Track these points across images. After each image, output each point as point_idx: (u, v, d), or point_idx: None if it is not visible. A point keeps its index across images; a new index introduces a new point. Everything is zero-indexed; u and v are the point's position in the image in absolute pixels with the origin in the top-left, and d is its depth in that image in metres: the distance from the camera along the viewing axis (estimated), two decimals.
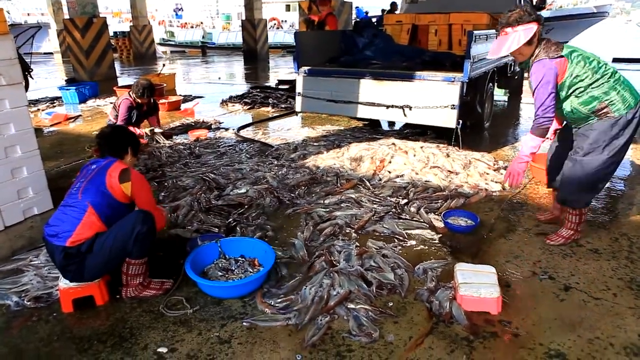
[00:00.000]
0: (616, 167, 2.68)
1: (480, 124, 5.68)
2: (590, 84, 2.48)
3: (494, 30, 5.01)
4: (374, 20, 12.21)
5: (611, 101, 2.47)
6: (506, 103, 7.85)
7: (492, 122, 6.12)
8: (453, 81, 4.47)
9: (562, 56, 2.48)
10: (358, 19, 18.38)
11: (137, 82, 5.05)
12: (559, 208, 3.09)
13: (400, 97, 4.77)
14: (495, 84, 6.19)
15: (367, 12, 22.19)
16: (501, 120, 6.62)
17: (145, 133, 5.31)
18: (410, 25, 6.43)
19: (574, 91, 2.52)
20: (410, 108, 4.71)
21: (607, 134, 2.52)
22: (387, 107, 4.86)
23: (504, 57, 5.91)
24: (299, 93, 5.43)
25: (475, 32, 4.37)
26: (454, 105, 4.45)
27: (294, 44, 5.53)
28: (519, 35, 2.47)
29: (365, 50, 5.93)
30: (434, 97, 4.58)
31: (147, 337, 2.10)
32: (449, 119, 4.50)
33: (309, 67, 5.33)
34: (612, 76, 2.49)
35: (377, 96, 4.91)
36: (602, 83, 2.47)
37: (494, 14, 6.01)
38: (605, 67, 2.50)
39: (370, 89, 4.95)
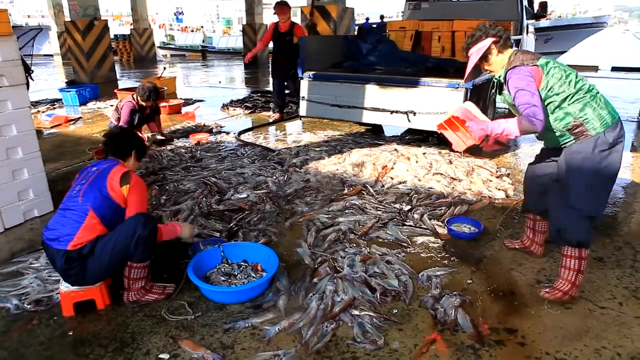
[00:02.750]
0: (607, 189, 2.37)
1: None
2: (565, 99, 2.27)
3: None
4: (374, 26, 12.27)
5: (586, 119, 2.24)
6: (507, 110, 7.85)
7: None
8: (457, 87, 4.49)
9: (537, 65, 2.29)
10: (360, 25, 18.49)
11: (142, 85, 5.03)
12: (530, 238, 2.85)
13: (405, 103, 4.79)
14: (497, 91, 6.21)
15: (367, 19, 22.29)
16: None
17: (148, 137, 5.32)
18: (413, 31, 6.50)
19: (547, 105, 2.31)
20: (415, 114, 4.74)
21: (591, 159, 2.26)
22: (391, 112, 4.90)
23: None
24: (303, 97, 5.46)
25: None
26: None
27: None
28: (473, 56, 2.44)
29: (369, 56, 6.00)
30: (438, 103, 4.58)
31: (148, 343, 2.07)
32: None
33: (313, 72, 5.35)
34: (588, 91, 2.28)
35: (382, 101, 4.94)
36: (578, 99, 2.27)
37: (496, 22, 6.08)
38: (582, 82, 2.30)
39: (374, 94, 4.97)
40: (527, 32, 7.86)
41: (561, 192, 2.40)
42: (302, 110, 5.55)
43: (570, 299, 2.37)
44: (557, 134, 2.37)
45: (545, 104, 2.30)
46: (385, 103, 4.92)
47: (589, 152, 2.26)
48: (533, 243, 2.85)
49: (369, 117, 5.13)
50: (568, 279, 2.39)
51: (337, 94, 5.19)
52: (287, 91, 7.00)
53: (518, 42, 6.85)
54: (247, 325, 2.17)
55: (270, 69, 6.80)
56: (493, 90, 2.63)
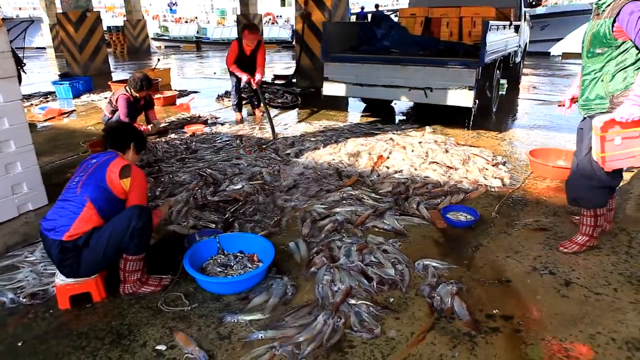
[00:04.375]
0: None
1: (489, 107, 6.26)
2: (635, 62, 2.25)
3: (502, 22, 5.83)
4: (369, 15, 12.19)
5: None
6: (504, 92, 7.93)
7: (499, 105, 6.71)
8: (471, 66, 4.99)
9: None
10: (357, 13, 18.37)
11: (132, 76, 4.99)
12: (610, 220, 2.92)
13: (422, 80, 5.30)
14: (501, 72, 6.64)
15: (362, 8, 22.14)
16: (505, 105, 7.02)
17: (153, 125, 5.32)
18: (423, 17, 7.00)
19: (622, 59, 2.26)
20: (431, 89, 5.24)
21: None
22: (410, 89, 5.39)
23: (509, 47, 6.48)
24: (326, 78, 5.89)
25: (490, 22, 4.91)
26: (471, 86, 5.01)
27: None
28: None
29: (383, 40, 6.43)
30: (453, 80, 5.12)
31: (145, 334, 2.07)
32: (466, 99, 5.09)
33: (335, 54, 5.80)
34: None
35: (400, 80, 5.43)
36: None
37: (498, 9, 6.68)
38: None
39: (394, 73, 5.45)
40: (525, 20, 7.93)
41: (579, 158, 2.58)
42: (325, 90, 5.97)
43: (588, 249, 2.69)
44: (601, 93, 2.39)
45: (621, 57, 2.29)
46: (404, 81, 5.40)
47: None
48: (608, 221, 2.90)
49: (388, 94, 5.65)
50: (586, 233, 2.69)
51: (359, 73, 5.62)
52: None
53: (517, 28, 7.07)
54: (234, 320, 2.14)
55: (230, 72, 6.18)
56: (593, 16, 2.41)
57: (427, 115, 6.45)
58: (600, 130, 2.29)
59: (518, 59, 8.05)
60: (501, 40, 5.95)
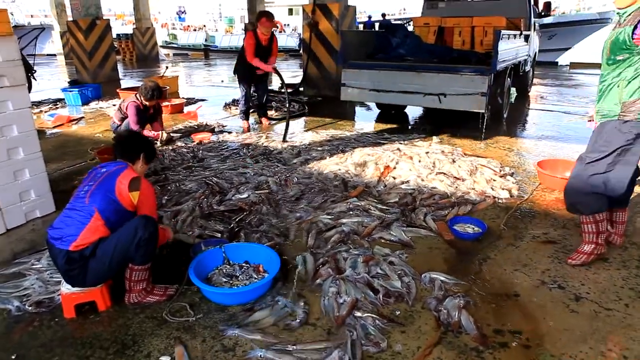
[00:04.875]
0: (630, 173, 2.52)
1: (500, 113, 6.55)
2: None
3: (513, 32, 6.01)
4: (376, 25, 12.25)
5: None
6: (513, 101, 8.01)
7: (508, 115, 6.93)
8: (483, 73, 5.19)
9: None
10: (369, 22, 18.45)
11: (144, 84, 5.01)
12: (608, 229, 2.88)
13: (436, 87, 5.49)
14: (511, 79, 6.86)
15: (370, 17, 22.24)
16: (514, 115, 7.23)
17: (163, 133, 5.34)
18: (436, 27, 7.27)
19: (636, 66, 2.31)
20: (445, 95, 5.43)
21: (622, 138, 2.40)
22: (424, 94, 5.57)
23: (519, 55, 6.71)
24: (343, 84, 6.13)
25: (502, 31, 5.09)
26: (483, 92, 5.19)
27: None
28: None
29: (398, 49, 6.71)
30: (466, 86, 5.31)
31: (150, 345, 2.06)
32: (479, 105, 5.27)
33: (353, 61, 6.04)
34: None
35: (416, 86, 5.63)
36: None
37: (508, 19, 6.93)
38: None
39: (409, 80, 5.66)
40: (534, 29, 7.99)
41: (580, 163, 2.61)
42: (343, 95, 6.20)
43: (597, 258, 2.65)
44: (615, 99, 2.42)
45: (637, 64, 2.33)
46: (419, 87, 5.60)
47: (621, 133, 2.39)
48: (611, 234, 2.87)
49: (403, 100, 5.89)
50: (590, 241, 2.66)
51: (375, 80, 5.87)
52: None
53: (527, 37, 7.24)
54: (234, 334, 2.10)
55: (237, 73, 6.27)
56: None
57: (436, 124, 6.49)
58: None
59: (528, 68, 8.21)
60: (512, 49, 6.10)
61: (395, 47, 6.77)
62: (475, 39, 7.08)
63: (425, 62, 5.88)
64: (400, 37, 6.87)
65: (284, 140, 5.38)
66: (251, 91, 6.29)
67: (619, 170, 2.49)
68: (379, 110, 7.48)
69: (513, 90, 7.73)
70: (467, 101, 5.32)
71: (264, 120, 6.61)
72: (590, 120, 2.86)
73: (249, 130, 6.18)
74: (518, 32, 6.45)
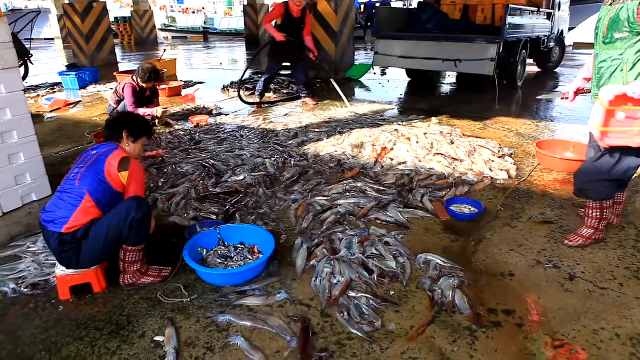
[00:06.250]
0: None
1: (514, 82, 7.40)
2: None
3: (528, 8, 7.14)
4: (377, 5, 12.03)
5: None
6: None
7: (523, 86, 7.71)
8: (493, 41, 6.20)
9: None
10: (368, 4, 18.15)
11: (141, 66, 4.97)
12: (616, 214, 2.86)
13: (453, 54, 6.55)
14: (528, 52, 7.70)
15: None
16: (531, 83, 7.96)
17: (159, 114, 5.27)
18: (462, 5, 8.28)
19: None
20: (460, 61, 6.48)
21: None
22: (443, 60, 6.66)
23: (537, 31, 7.56)
24: (376, 52, 7.35)
25: (510, 5, 6.07)
26: (492, 58, 6.19)
27: None
28: None
29: (427, 24, 7.83)
30: (478, 53, 6.33)
31: (144, 325, 2.07)
32: (489, 69, 6.27)
33: (385, 33, 7.28)
34: None
35: (437, 53, 6.72)
36: None
37: None
38: None
39: (431, 48, 6.77)
40: (560, 9, 8.65)
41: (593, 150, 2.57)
42: (376, 62, 7.45)
43: (594, 242, 2.66)
44: (620, 83, 2.31)
45: None
46: (439, 54, 6.68)
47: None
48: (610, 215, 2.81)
49: (426, 65, 6.95)
50: (591, 226, 2.65)
51: (403, 48, 7.04)
52: (290, 79, 7.16)
53: (550, 15, 8.28)
54: (225, 320, 2.10)
55: (270, 51, 6.34)
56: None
57: (437, 104, 6.57)
58: (609, 104, 2.20)
59: (552, 45, 8.99)
60: (526, 23, 7.01)
61: (425, 22, 7.85)
62: (495, 15, 7.89)
63: (446, 34, 6.92)
64: (429, 14, 7.87)
65: (347, 105, 6.24)
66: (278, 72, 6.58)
67: (632, 156, 2.40)
68: (409, 79, 8.79)
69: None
70: (478, 66, 6.29)
71: (309, 100, 6.57)
72: (564, 98, 2.79)
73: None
74: (535, 9, 7.32)
